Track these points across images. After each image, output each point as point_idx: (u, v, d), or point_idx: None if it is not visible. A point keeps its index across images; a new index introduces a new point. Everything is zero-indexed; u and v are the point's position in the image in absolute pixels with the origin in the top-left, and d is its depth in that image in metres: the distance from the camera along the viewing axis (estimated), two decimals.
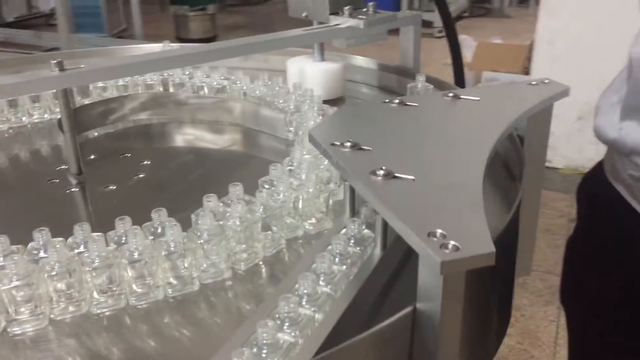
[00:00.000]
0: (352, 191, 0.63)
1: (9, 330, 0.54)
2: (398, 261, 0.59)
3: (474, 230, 0.45)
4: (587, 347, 0.95)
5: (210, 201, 0.64)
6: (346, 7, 0.97)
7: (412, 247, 0.45)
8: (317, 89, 0.96)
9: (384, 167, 0.53)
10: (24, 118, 1.01)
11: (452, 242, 0.43)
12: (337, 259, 0.57)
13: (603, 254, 0.86)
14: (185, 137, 0.98)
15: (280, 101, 0.94)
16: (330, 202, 0.71)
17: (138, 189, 0.80)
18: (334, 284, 0.54)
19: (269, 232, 0.65)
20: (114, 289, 0.57)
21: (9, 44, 5.54)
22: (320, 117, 0.85)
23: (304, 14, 1.02)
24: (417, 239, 0.44)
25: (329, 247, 0.58)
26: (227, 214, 0.62)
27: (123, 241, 0.59)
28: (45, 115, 1.02)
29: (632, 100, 0.73)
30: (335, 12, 0.98)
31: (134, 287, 0.57)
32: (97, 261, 0.55)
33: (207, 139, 0.96)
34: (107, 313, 0.56)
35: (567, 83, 0.74)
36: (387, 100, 0.71)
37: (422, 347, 0.48)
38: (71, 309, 0.56)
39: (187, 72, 1.07)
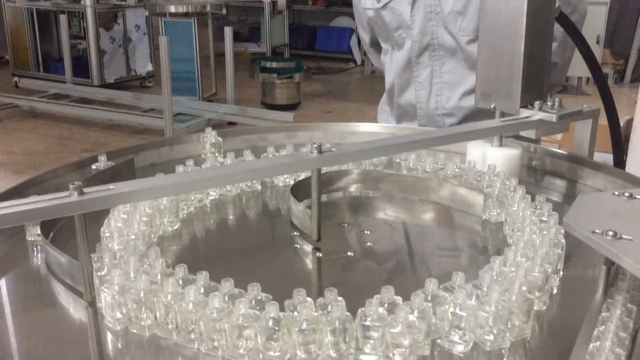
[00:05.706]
0: (608, 274, 0.71)
1: None
2: None
3: None
4: None
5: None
6: (536, 102, 1.08)
7: None
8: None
9: None
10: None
11: None
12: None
13: None
14: (391, 210, 1.10)
15: (474, 181, 1.05)
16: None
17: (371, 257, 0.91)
18: None
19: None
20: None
21: (110, 103, 5.97)
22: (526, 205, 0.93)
23: (492, 105, 1.13)
24: None
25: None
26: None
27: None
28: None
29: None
30: (524, 105, 1.09)
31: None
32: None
33: (411, 214, 1.08)
34: None
35: None
36: (617, 193, 0.80)
37: None
38: None
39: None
